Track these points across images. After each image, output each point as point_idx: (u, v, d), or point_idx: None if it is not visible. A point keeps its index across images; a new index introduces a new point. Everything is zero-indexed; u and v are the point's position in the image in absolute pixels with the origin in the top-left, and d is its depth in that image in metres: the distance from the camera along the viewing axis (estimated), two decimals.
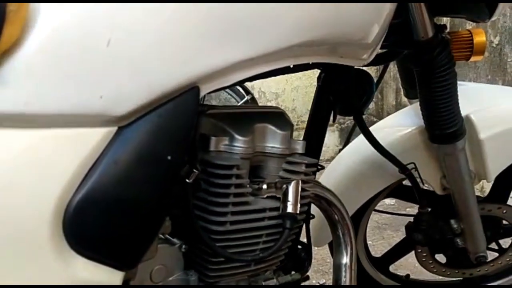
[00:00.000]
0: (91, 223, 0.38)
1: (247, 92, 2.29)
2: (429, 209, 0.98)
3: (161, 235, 0.52)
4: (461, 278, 1.09)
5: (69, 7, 0.36)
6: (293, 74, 0.68)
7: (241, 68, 0.45)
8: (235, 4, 0.42)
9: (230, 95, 2.29)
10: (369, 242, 1.17)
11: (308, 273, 0.78)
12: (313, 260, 0.75)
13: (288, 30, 0.47)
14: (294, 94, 2.69)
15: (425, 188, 0.97)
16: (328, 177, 0.97)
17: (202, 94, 0.43)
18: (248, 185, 0.54)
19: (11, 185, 0.35)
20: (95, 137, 0.37)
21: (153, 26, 0.39)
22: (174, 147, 0.41)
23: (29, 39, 0.34)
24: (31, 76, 0.34)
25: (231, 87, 0.61)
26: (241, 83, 0.56)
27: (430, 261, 1.04)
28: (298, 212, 0.56)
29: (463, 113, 0.78)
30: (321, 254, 1.53)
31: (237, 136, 0.52)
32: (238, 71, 0.45)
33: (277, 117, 0.57)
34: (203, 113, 0.52)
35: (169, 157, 0.40)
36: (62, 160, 0.36)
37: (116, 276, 0.39)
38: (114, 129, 0.38)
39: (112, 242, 0.39)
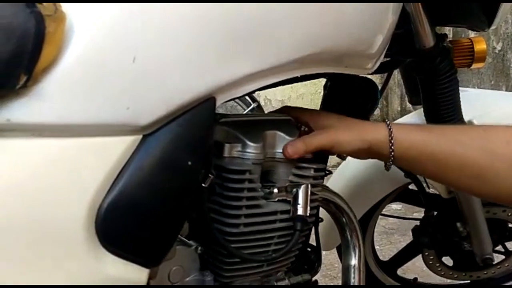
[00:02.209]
0: (121, 224, 0.41)
1: (253, 100, 2.32)
2: (435, 213, 0.99)
3: (178, 237, 0.54)
4: (468, 281, 1.10)
5: (100, 29, 0.39)
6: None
7: (253, 79, 0.48)
8: (248, 21, 0.46)
9: (237, 103, 2.32)
10: (376, 247, 1.19)
11: (316, 278, 0.80)
12: (321, 265, 0.77)
13: (297, 42, 0.50)
14: (300, 101, 2.72)
15: (430, 192, 0.99)
16: (336, 181, 0.99)
17: (217, 104, 0.47)
18: (260, 189, 0.56)
19: (48, 189, 0.38)
20: (122, 145, 0.40)
21: (173, 44, 0.42)
22: (193, 153, 0.44)
23: (65, 57, 0.38)
24: (66, 90, 0.38)
25: (244, 96, 0.64)
26: (252, 93, 0.59)
27: (437, 264, 1.06)
28: (308, 214, 0.58)
29: (466, 118, 0.80)
30: (329, 259, 1.55)
31: (248, 143, 0.55)
32: (251, 82, 0.48)
33: (285, 123, 0.60)
34: (216, 122, 0.55)
35: (189, 163, 0.43)
36: (94, 166, 0.39)
37: (142, 273, 0.42)
38: (139, 137, 0.42)
39: (139, 241, 0.42)
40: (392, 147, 0.55)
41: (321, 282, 1.43)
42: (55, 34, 0.36)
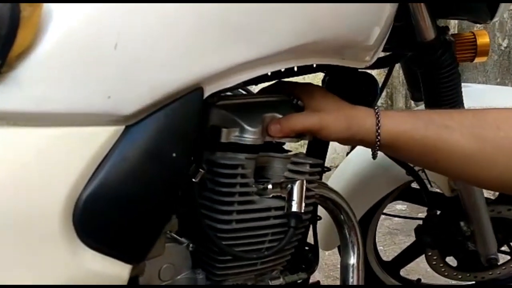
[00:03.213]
0: (100, 217, 0.39)
1: None
2: (438, 212, 0.97)
3: (168, 234, 0.53)
4: (473, 282, 1.07)
5: (79, 13, 0.38)
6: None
7: (244, 69, 0.46)
8: (237, 6, 0.44)
9: None
10: (380, 247, 1.17)
11: (319, 279, 0.78)
12: (324, 266, 0.75)
13: (289, 31, 0.48)
14: None
15: (433, 190, 0.97)
16: (337, 179, 0.98)
17: (206, 94, 0.45)
18: (253, 185, 0.55)
19: (24, 180, 0.36)
20: (103, 135, 0.39)
21: (157, 30, 0.40)
22: (178, 145, 0.43)
23: (42, 43, 0.36)
24: (43, 77, 0.36)
25: (236, 88, 0.62)
26: (245, 84, 0.57)
27: (441, 265, 1.03)
28: (302, 211, 0.56)
29: None
30: (331, 260, 1.53)
31: (247, 127, 0.54)
32: (241, 72, 0.47)
33: (285, 105, 0.58)
34: (213, 104, 0.53)
35: (174, 154, 0.42)
36: (72, 157, 0.38)
37: (123, 270, 0.41)
38: (121, 127, 0.40)
39: (120, 235, 0.41)
40: (379, 136, 0.53)
41: (323, 283, 1.41)
42: (31, 18, 0.34)
